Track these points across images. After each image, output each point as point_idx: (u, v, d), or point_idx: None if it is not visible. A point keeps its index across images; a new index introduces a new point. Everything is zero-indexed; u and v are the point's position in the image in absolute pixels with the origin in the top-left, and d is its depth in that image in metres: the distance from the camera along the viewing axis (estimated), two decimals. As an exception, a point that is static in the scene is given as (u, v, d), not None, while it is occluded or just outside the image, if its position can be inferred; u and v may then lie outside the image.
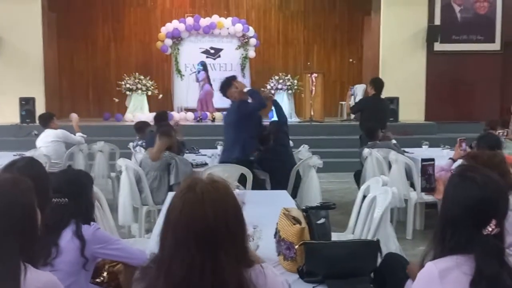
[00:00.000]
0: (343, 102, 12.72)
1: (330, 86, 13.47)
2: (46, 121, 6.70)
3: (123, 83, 12.13)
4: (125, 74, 12.37)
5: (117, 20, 13.89)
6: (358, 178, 6.54)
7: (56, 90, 12.94)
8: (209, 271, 1.55)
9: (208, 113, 12.30)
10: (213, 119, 11.90)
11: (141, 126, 7.24)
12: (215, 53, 13.02)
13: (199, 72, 12.17)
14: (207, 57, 12.94)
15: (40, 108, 10.88)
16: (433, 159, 5.06)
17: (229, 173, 4.69)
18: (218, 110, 12.27)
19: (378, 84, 7.31)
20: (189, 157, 5.82)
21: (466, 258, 1.80)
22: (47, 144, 6.52)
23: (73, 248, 2.45)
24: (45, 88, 11.70)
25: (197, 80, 12.23)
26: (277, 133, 5.75)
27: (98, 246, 2.49)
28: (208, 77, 12.27)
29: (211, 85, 12.17)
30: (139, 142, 6.83)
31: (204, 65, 12.08)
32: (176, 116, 12.30)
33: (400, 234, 4.90)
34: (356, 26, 14.07)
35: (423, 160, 5.07)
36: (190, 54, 12.25)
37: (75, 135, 6.91)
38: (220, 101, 12.05)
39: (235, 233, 1.60)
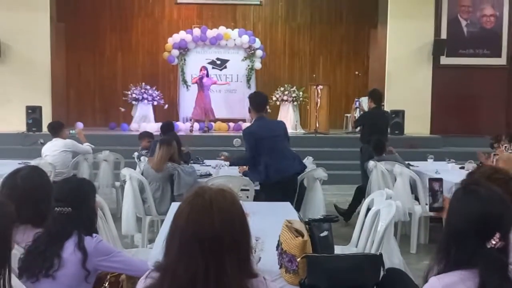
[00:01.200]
0: (348, 115, 12.70)
1: (335, 98, 13.47)
2: (56, 130, 6.64)
3: (129, 93, 12.20)
4: (131, 84, 12.43)
5: (124, 30, 13.98)
6: (359, 191, 6.51)
7: (63, 99, 13.01)
8: (213, 279, 1.55)
9: (212, 124, 12.31)
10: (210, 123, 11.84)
11: (145, 135, 7.29)
12: (221, 64, 13.06)
13: (202, 78, 11.88)
14: (213, 67, 12.98)
15: (46, 117, 10.93)
16: (441, 179, 5.04)
17: (232, 184, 4.69)
18: (223, 120, 12.31)
19: (375, 96, 7.29)
20: (193, 168, 5.81)
21: (471, 273, 1.78)
22: (54, 153, 6.49)
23: (75, 261, 2.42)
24: (52, 97, 11.76)
25: (200, 85, 11.91)
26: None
27: (100, 258, 2.47)
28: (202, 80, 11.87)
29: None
30: (143, 152, 6.86)
31: (206, 69, 11.96)
32: (181, 126, 12.34)
33: (404, 248, 4.87)
34: (362, 39, 14.09)
35: (430, 179, 5.05)
36: (196, 65, 12.28)
37: (82, 144, 6.91)
38: (216, 111, 12.10)
39: (240, 242, 1.60)
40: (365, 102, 11.77)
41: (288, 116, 12.11)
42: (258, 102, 5.04)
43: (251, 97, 5.10)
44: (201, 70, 11.81)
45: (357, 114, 11.47)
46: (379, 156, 6.34)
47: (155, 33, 13.94)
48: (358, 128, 8.05)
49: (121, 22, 13.95)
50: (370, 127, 7.08)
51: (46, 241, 2.43)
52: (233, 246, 1.58)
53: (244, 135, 5.07)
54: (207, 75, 11.81)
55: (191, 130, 11.87)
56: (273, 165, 4.92)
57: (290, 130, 11.47)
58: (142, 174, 5.31)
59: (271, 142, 4.93)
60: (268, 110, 12.43)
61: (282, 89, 12.32)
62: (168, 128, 6.85)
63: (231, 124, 12.49)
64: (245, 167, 5.40)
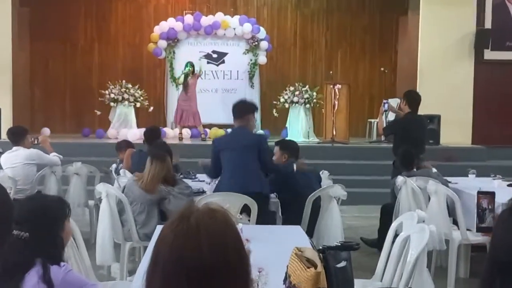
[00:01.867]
0: (373, 120, 12.73)
1: (356, 100, 13.48)
2: (19, 137, 6.56)
3: (107, 92, 12.24)
4: (109, 82, 12.47)
5: (102, 17, 14.07)
6: (385, 212, 6.50)
7: (26, 99, 13.06)
8: None
9: (207, 130, 12.33)
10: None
11: (123, 145, 7.28)
12: (218, 58, 13.12)
13: (187, 75, 11.89)
14: (208, 62, 13.04)
15: (6, 121, 10.97)
16: (491, 193, 5.07)
17: (231, 203, 4.69)
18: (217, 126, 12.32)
19: (412, 98, 7.31)
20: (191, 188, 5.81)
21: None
22: (15, 165, 6.45)
23: (39, 297, 2.41)
24: (13, 97, 11.81)
25: (184, 85, 11.92)
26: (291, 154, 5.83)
27: (69, 292, 2.46)
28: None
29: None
30: (121, 165, 6.86)
31: (192, 66, 11.97)
32: (170, 132, 12.36)
33: (439, 282, 4.84)
34: (389, 29, 14.14)
35: (479, 192, 5.08)
36: (188, 59, 12.31)
37: (48, 155, 6.89)
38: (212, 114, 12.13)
39: (235, 274, 1.58)
40: (393, 105, 11.78)
41: (299, 121, 12.15)
42: (238, 109, 5.52)
43: (234, 105, 5.60)
44: (186, 66, 11.88)
45: (387, 118, 11.44)
46: (408, 171, 6.34)
47: (139, 21, 14.03)
48: (387, 136, 8.06)
49: (97, 8, 14.05)
50: (403, 136, 7.10)
51: (1, 274, 2.42)
52: (227, 278, 1.55)
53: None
54: (193, 72, 11.85)
55: (180, 138, 11.90)
56: (224, 180, 5.35)
57: (301, 139, 11.76)
58: (123, 191, 5.31)
59: (232, 155, 5.33)
60: (275, 114, 12.47)
61: (291, 88, 12.35)
62: (153, 135, 6.83)
63: (229, 130, 12.40)
64: None
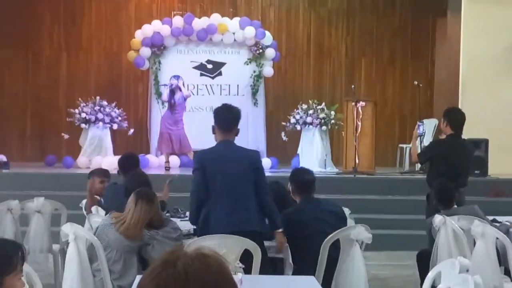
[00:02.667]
0: (405, 145, 12.71)
1: (384, 121, 13.49)
2: None
3: (76, 111, 12.24)
4: (80, 99, 12.47)
5: (71, 20, 14.15)
6: (423, 261, 6.47)
7: (-23, 119, 13.09)
8: None
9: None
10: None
11: (94, 174, 7.27)
12: (214, 69, 13.17)
13: (173, 93, 11.94)
14: (202, 74, 13.08)
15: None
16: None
17: (228, 248, 4.68)
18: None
19: (455, 118, 7.29)
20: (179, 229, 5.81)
21: None
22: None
23: None
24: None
25: (170, 100, 11.99)
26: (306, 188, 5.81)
27: None
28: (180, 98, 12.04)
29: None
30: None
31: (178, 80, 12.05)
32: (154, 161, 12.36)
33: None
34: (424, 33, 14.21)
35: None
36: (177, 71, 12.36)
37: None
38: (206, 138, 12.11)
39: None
40: (430, 127, 11.76)
41: (313, 146, 12.14)
42: (224, 116, 5.49)
43: (216, 110, 5.58)
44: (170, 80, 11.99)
45: (422, 144, 11.41)
46: (446, 208, 6.34)
47: (116, 24, 14.12)
48: (419, 166, 8.03)
49: (66, 8, 14.14)
50: (442, 163, 7.11)
51: None
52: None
53: (193, 164, 5.48)
54: (179, 88, 11.93)
55: (167, 168, 11.90)
56: (215, 213, 5.25)
57: (316, 168, 11.70)
58: (95, 233, 5.30)
59: (225, 181, 5.26)
60: (284, 138, 12.46)
61: (304, 106, 12.34)
62: (129, 164, 6.82)
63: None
64: None
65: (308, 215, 5.63)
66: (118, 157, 11.28)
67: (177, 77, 12.02)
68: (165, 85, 12.41)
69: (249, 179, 5.31)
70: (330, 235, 5.38)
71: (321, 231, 5.54)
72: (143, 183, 5.74)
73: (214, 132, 5.57)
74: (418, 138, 11.10)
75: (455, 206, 6.40)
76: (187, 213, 6.75)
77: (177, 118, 11.94)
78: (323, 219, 5.66)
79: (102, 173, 7.37)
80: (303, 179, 5.86)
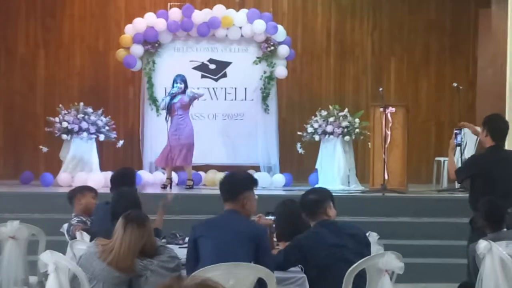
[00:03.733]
0: (443, 158, 12.66)
1: (418, 130, 13.47)
2: None
3: (57, 119, 12.24)
4: (61, 105, 12.49)
5: (50, 14, 14.20)
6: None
7: None
8: None
9: (201, 174, 12.29)
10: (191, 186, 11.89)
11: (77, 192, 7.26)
12: (217, 70, 13.18)
13: (174, 96, 11.73)
14: (203, 76, 13.09)
15: None
16: None
17: (237, 278, 4.61)
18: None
19: (496, 127, 7.27)
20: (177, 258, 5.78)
21: None
22: None
23: None
24: None
25: (168, 109, 11.77)
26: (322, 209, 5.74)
27: None
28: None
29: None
30: (75, 221, 6.87)
31: (184, 81, 11.85)
32: (148, 177, 12.31)
33: None
34: (464, 26, 14.22)
35: None
36: (174, 72, 12.31)
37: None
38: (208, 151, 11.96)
39: None
40: (471, 137, 11.68)
41: (334, 160, 12.12)
42: (229, 187, 5.52)
43: (221, 182, 5.64)
44: (174, 82, 11.75)
45: (462, 156, 11.31)
46: (494, 231, 6.26)
47: (103, 18, 14.16)
48: (463, 182, 8.00)
49: (44, 1, 14.16)
50: (484, 183, 7.07)
51: None
52: None
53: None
54: (184, 90, 11.70)
55: (166, 186, 11.80)
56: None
57: (338, 186, 11.74)
58: (78, 262, 5.29)
59: (216, 250, 5.26)
60: (299, 150, 12.42)
61: (324, 113, 12.33)
62: (124, 181, 6.84)
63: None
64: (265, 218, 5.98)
65: (325, 241, 5.58)
66: (105, 173, 11.44)
67: (181, 77, 11.74)
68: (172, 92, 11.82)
69: (244, 253, 5.24)
70: (355, 264, 5.33)
71: (342, 259, 5.52)
72: (130, 203, 5.74)
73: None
74: (457, 149, 11.06)
75: (505, 229, 6.36)
76: (187, 239, 6.71)
77: (181, 122, 11.68)
78: (344, 245, 5.61)
79: (92, 189, 7.41)
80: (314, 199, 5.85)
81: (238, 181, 5.57)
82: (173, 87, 11.73)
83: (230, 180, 5.60)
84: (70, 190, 7.61)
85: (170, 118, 11.73)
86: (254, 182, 5.58)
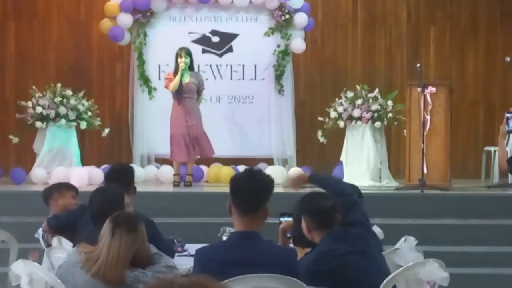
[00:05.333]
0: (493, 148, 12.67)
1: (464, 114, 13.51)
2: None
3: (29, 104, 12.30)
4: (34, 87, 12.58)
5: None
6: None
7: None
8: None
9: (203, 169, 12.34)
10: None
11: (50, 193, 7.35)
12: (221, 43, 13.24)
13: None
14: (204, 51, 13.11)
15: None
16: None
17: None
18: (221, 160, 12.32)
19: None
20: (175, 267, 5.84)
21: None
22: None
23: None
24: None
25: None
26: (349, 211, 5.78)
27: None
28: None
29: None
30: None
31: (190, 54, 11.83)
32: (140, 173, 12.38)
33: None
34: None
35: None
36: (170, 46, 12.38)
37: None
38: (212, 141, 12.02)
39: None
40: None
41: (363, 151, 12.17)
42: (247, 195, 5.01)
43: (233, 179, 5.23)
44: (178, 57, 11.80)
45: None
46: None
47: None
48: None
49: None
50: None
51: None
52: None
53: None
54: (191, 65, 11.80)
55: (177, 183, 11.91)
56: None
57: (368, 181, 11.82)
58: (57, 273, 5.31)
59: None
60: (321, 140, 12.46)
61: (350, 95, 12.36)
62: (123, 178, 6.86)
63: (242, 168, 12.28)
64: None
65: (342, 258, 5.48)
66: (88, 168, 11.47)
67: (185, 50, 11.73)
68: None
69: None
70: (390, 276, 5.34)
71: (367, 272, 5.50)
72: (111, 203, 5.76)
73: (230, 213, 5.10)
74: (509, 137, 11.08)
75: None
76: (186, 246, 6.82)
77: (189, 107, 11.76)
78: (362, 250, 5.60)
79: (71, 186, 7.46)
80: (322, 207, 5.65)
81: (260, 187, 5.06)
82: (176, 63, 11.68)
83: (253, 183, 5.05)
84: (46, 188, 7.63)
85: (175, 98, 11.75)
86: (273, 185, 5.13)
